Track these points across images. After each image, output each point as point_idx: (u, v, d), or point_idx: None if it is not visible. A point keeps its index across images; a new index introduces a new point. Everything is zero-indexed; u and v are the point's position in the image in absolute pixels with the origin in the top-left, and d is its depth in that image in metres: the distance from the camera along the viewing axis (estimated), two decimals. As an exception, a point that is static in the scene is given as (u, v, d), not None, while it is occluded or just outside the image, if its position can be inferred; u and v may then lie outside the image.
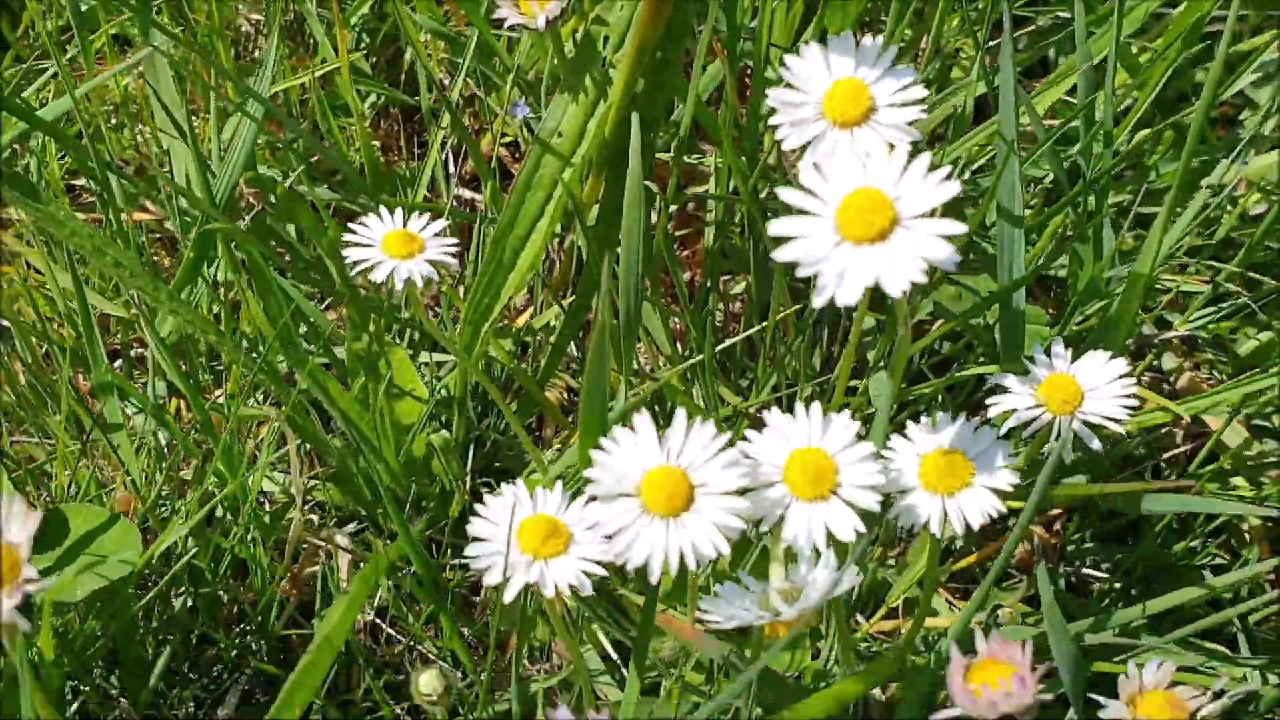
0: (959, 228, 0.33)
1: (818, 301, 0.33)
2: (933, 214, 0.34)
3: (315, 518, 0.55)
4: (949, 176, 0.34)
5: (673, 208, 0.60)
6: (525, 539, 0.39)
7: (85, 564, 0.43)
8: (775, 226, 0.35)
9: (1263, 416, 0.57)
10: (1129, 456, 0.54)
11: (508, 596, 0.38)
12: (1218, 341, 0.58)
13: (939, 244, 0.33)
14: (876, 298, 0.54)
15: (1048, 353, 0.45)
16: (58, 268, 0.59)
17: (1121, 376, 0.44)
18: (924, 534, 0.49)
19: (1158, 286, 0.58)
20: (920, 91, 0.39)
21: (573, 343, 0.62)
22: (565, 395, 0.64)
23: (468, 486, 0.59)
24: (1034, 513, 0.38)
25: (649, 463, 0.37)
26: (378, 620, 0.53)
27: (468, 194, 0.72)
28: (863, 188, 0.34)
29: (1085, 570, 0.53)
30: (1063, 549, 0.51)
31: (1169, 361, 0.57)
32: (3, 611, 0.34)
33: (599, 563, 0.38)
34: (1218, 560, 0.52)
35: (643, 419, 0.38)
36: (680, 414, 0.37)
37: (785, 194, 0.35)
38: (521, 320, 0.64)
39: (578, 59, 0.52)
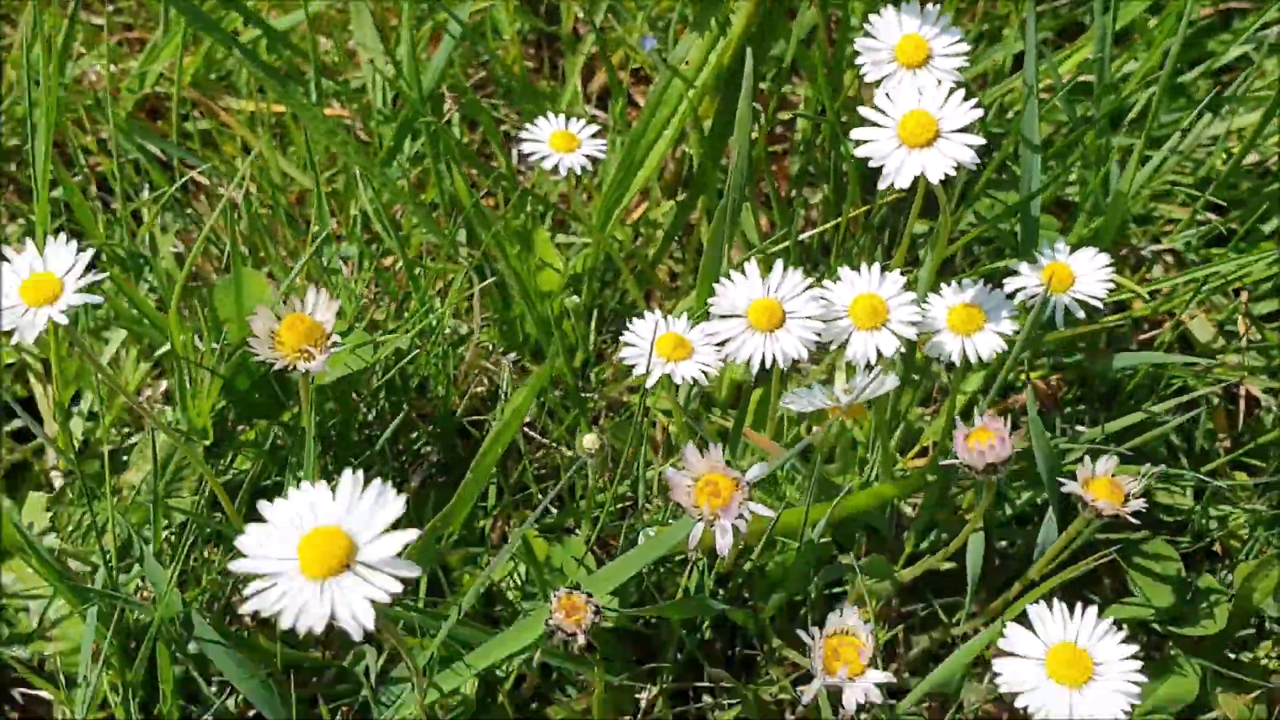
0: (978, 140, 0.49)
1: (883, 184, 0.50)
2: (965, 131, 0.50)
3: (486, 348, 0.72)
4: (976, 105, 0.50)
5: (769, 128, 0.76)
6: (661, 347, 0.56)
7: (337, 356, 0.61)
8: (857, 133, 0.51)
9: (1231, 322, 0.72)
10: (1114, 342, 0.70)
11: (649, 383, 0.55)
12: (1205, 260, 0.74)
13: (965, 150, 0.49)
14: (928, 205, 0.70)
15: (1053, 249, 0.61)
16: (279, 154, 0.77)
17: (1105, 266, 0.60)
18: (948, 402, 0.65)
19: (1153, 213, 0.73)
20: (965, 47, 0.55)
21: (674, 239, 0.79)
22: (669, 277, 0.81)
23: (591, 343, 0.76)
24: (1025, 345, 0.54)
25: (754, 295, 0.53)
26: (527, 429, 0.70)
27: (594, 111, 0.88)
28: (918, 109, 0.51)
29: (1077, 429, 0.69)
30: (1057, 401, 0.67)
31: (1158, 272, 0.72)
32: (315, 364, 0.51)
33: (710, 365, 0.55)
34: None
35: (751, 266, 0.54)
36: (779, 263, 0.54)
37: (865, 111, 0.51)
38: (638, 213, 0.80)
39: (705, 4, 0.68)
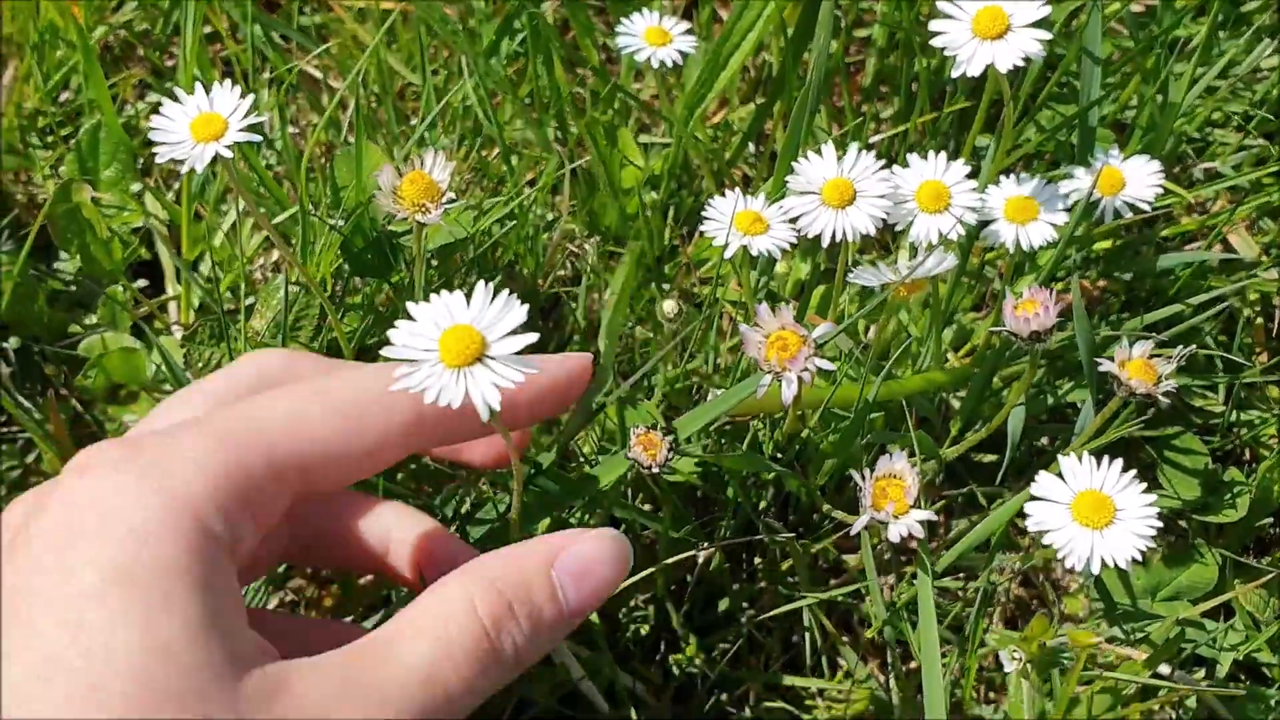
0: (1045, 34, 0.54)
1: (955, 73, 0.55)
2: (1033, 26, 0.55)
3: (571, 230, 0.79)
4: (1045, 3, 0.55)
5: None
6: (739, 223, 0.62)
7: (438, 227, 0.67)
8: (934, 25, 0.56)
9: (1277, 245, 0.77)
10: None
11: (728, 254, 0.61)
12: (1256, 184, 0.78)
13: (1033, 43, 0.54)
14: (990, 121, 0.75)
15: (1106, 156, 0.66)
16: (384, 45, 0.83)
17: (1155, 172, 0.64)
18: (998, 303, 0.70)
19: (1210, 138, 0.78)
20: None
21: (750, 143, 0.84)
22: (743, 180, 0.86)
23: (667, 238, 0.82)
24: (1071, 236, 0.59)
25: (829, 174, 0.59)
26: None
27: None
28: (991, 5, 0.56)
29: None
30: (1103, 303, 0.72)
31: (1208, 194, 0.77)
32: (432, 217, 0.58)
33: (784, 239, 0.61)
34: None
35: (828, 147, 0.60)
36: (854, 146, 0.59)
37: (942, 5, 0.57)
38: (718, 118, 0.86)
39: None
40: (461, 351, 0.39)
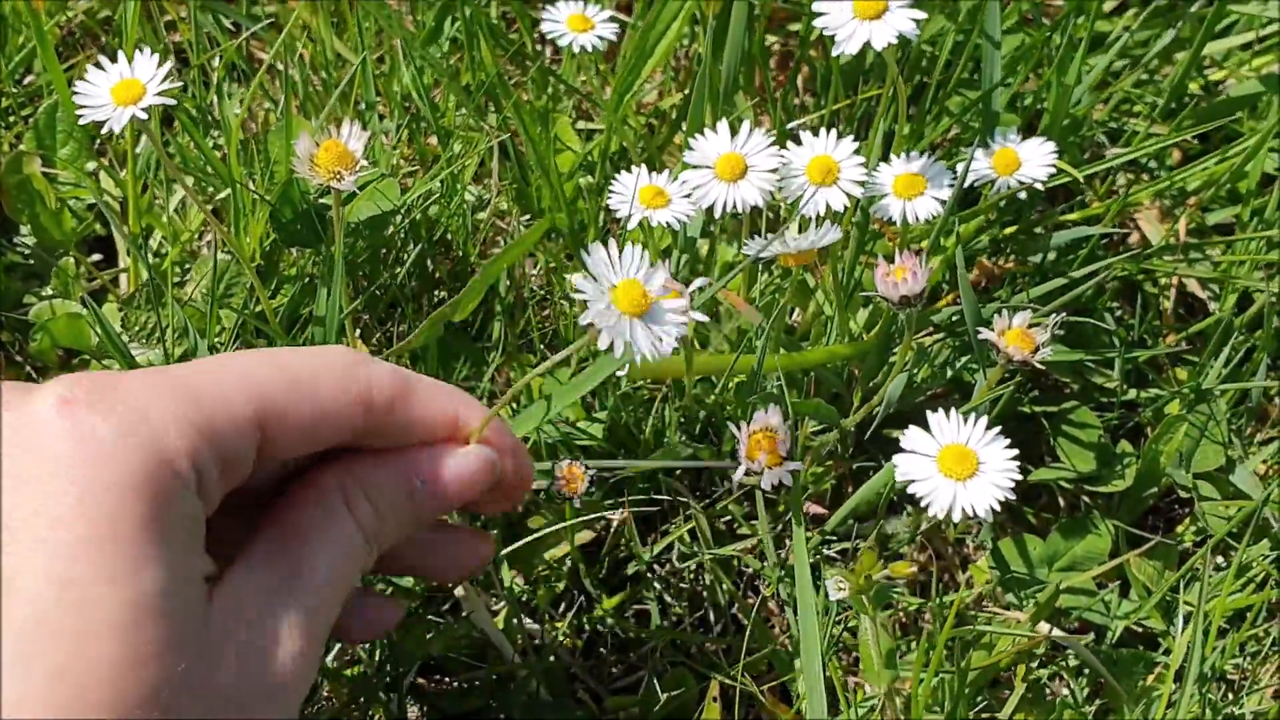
0: (920, 14, 0.59)
1: (835, 51, 0.60)
2: (909, 6, 0.59)
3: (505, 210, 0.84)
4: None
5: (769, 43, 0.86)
6: (641, 196, 0.66)
7: (367, 195, 0.72)
8: (817, 6, 0.61)
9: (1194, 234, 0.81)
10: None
11: (630, 225, 0.66)
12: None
13: (907, 22, 0.59)
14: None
15: (1005, 137, 0.70)
16: (329, 29, 0.89)
17: (1049, 153, 0.69)
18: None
19: (1124, 127, 0.82)
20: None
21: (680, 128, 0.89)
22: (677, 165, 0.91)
23: (601, 221, 0.86)
24: (954, 209, 0.64)
25: (723, 149, 0.64)
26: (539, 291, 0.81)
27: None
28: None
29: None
30: (1000, 278, 0.76)
31: (1121, 179, 0.81)
32: (345, 184, 0.62)
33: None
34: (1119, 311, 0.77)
35: (722, 124, 0.64)
36: (745, 122, 0.64)
37: (825, -10, 0.61)
38: (650, 104, 0.91)
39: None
40: (634, 302, 0.44)
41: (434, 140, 0.85)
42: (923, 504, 0.55)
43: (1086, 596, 0.70)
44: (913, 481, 0.56)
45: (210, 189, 0.82)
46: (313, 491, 0.44)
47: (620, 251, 0.46)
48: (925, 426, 0.57)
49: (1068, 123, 0.76)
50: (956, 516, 0.55)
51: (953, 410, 0.57)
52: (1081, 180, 0.71)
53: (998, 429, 0.57)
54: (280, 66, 0.93)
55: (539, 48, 0.90)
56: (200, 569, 0.38)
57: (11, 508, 0.35)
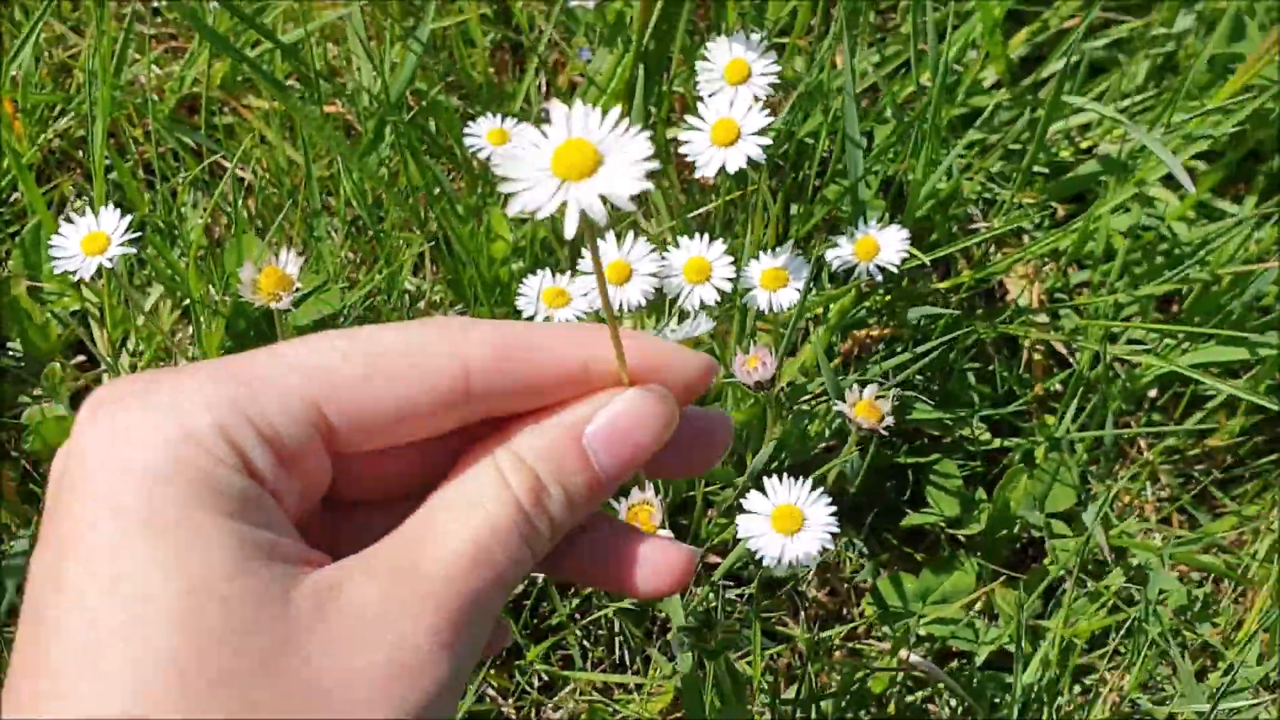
0: (766, 140, 0.70)
1: (697, 174, 0.71)
2: (758, 134, 0.71)
3: (438, 300, 0.95)
4: (769, 114, 0.71)
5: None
6: (546, 298, 0.78)
7: (312, 302, 0.84)
8: (681, 135, 0.72)
9: (1056, 288, 0.92)
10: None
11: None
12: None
13: (757, 149, 0.70)
14: (813, 192, 0.90)
15: (867, 225, 0.81)
16: (284, 140, 1.00)
17: (903, 239, 0.80)
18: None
19: (995, 196, 0.93)
20: (776, 69, 0.75)
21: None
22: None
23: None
24: (806, 293, 0.75)
25: (612, 257, 0.75)
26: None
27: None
28: (725, 118, 0.72)
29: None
30: (870, 349, 0.88)
31: (978, 251, 0.92)
32: (283, 304, 0.74)
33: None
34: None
35: (610, 236, 0.76)
36: (630, 234, 0.75)
37: (689, 119, 0.73)
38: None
39: (612, 28, 0.90)
40: (574, 165, 0.35)
41: (372, 237, 0.96)
42: (757, 556, 0.66)
43: (956, 626, 0.81)
44: (751, 537, 0.66)
45: (178, 293, 0.94)
46: (459, 465, 0.39)
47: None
48: (763, 491, 0.68)
49: (933, 202, 0.87)
50: (784, 564, 0.65)
51: (785, 477, 0.68)
52: (927, 261, 0.82)
53: (821, 490, 0.67)
54: (240, 173, 1.05)
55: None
56: (269, 549, 0.35)
57: (59, 517, 0.34)
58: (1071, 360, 0.90)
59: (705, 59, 0.76)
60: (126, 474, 0.34)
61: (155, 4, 1.14)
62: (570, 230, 0.34)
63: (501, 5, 1.13)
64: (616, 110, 0.36)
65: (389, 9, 1.07)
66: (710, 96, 0.75)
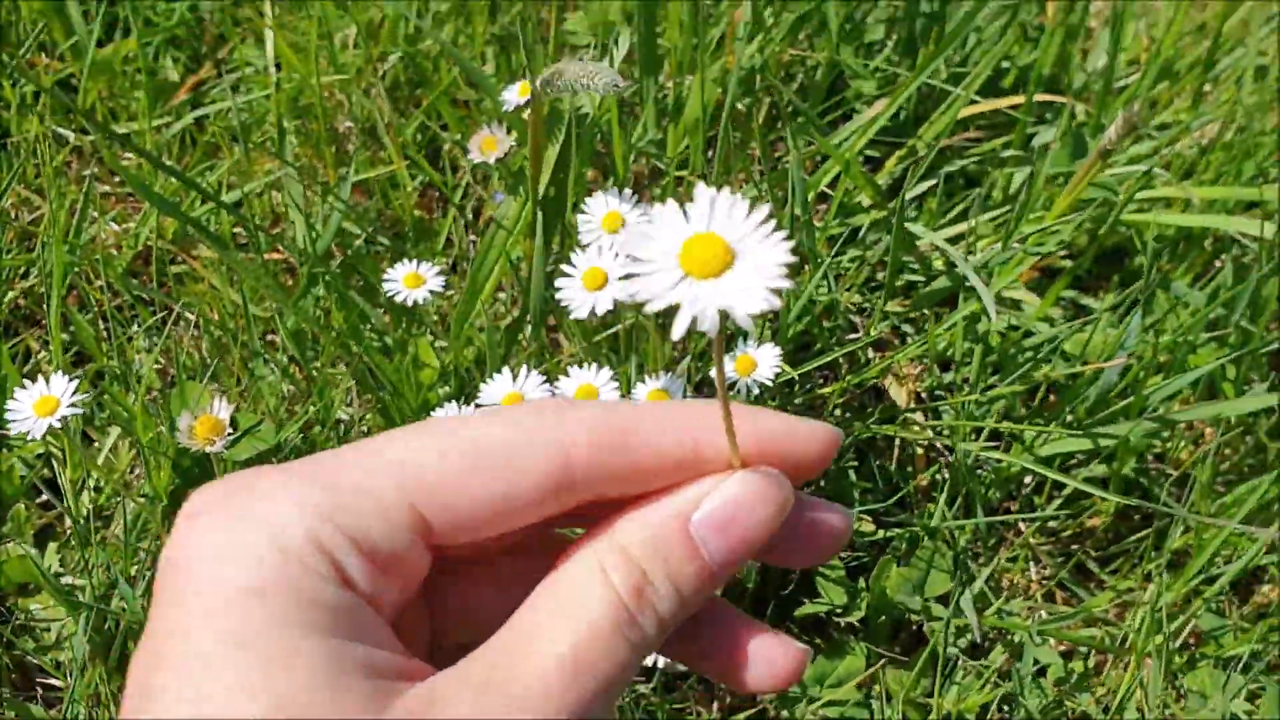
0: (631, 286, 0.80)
1: (571, 317, 0.81)
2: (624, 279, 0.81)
3: (368, 429, 1.05)
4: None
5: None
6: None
7: (248, 439, 0.93)
8: (558, 282, 0.82)
9: (936, 388, 1.01)
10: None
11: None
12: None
13: (623, 294, 0.80)
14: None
15: (747, 344, 0.91)
16: (229, 286, 1.11)
17: (775, 357, 0.89)
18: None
19: (866, 304, 1.03)
20: (648, 217, 0.86)
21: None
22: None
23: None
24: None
25: (507, 389, 0.85)
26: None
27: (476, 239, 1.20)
28: (594, 266, 0.82)
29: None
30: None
31: (862, 356, 1.02)
32: (217, 448, 0.84)
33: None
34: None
35: (506, 370, 0.86)
36: (524, 367, 0.85)
37: (564, 266, 0.83)
38: (501, 317, 1.12)
39: (515, 178, 1.01)
40: (704, 262, 0.33)
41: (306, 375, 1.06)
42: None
43: (848, 706, 0.89)
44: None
45: (134, 435, 1.04)
46: (560, 559, 0.37)
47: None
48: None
49: (809, 318, 0.97)
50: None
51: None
52: (795, 375, 0.92)
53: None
54: (189, 316, 1.15)
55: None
56: (364, 664, 0.34)
57: (156, 627, 0.34)
58: (944, 455, 0.99)
59: (584, 211, 0.87)
60: (219, 591, 0.34)
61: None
62: (678, 332, 0.32)
63: (429, 150, 1.24)
64: (765, 208, 0.34)
65: (324, 159, 1.18)
66: (588, 245, 0.86)
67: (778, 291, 0.31)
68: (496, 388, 0.85)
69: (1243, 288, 0.95)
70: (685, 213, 0.34)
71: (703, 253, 0.33)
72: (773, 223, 0.33)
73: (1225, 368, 0.98)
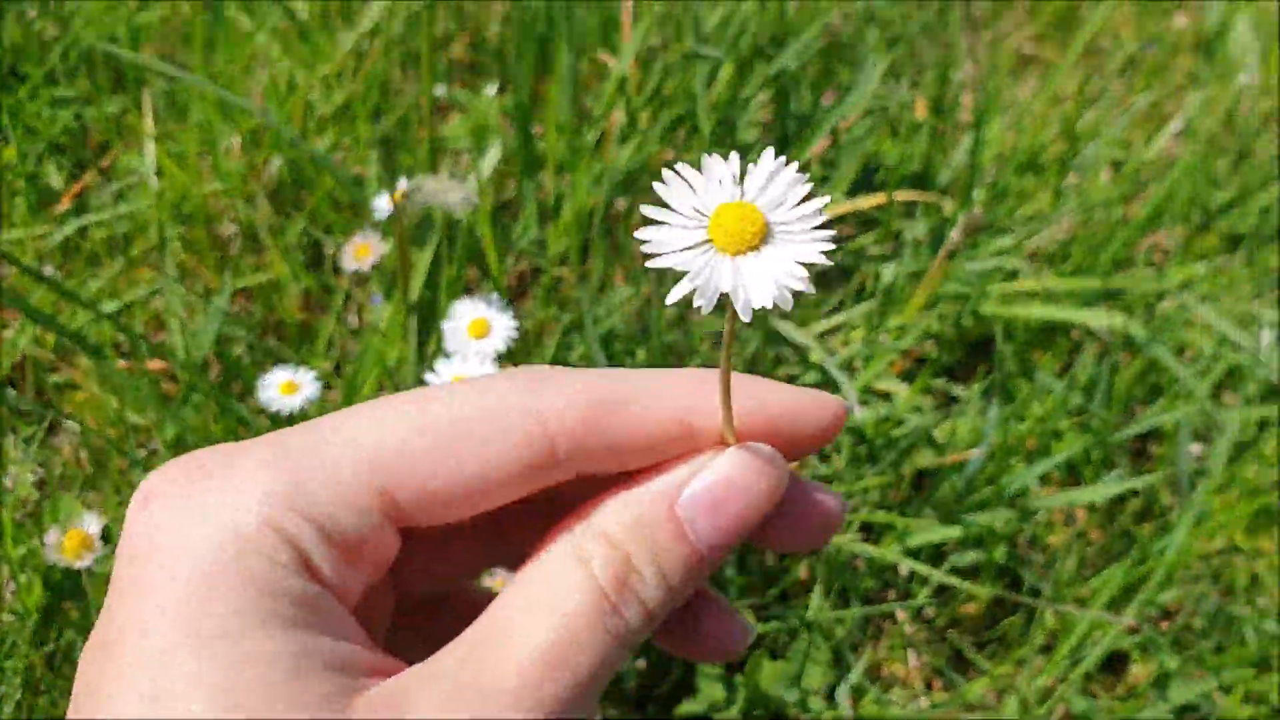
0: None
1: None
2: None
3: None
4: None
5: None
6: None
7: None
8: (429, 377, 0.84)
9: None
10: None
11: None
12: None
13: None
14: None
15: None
16: (109, 394, 1.11)
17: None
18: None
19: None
20: (515, 324, 0.88)
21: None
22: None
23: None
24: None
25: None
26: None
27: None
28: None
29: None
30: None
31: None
32: (84, 563, 0.83)
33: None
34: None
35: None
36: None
37: (429, 376, 0.85)
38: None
39: (388, 283, 1.03)
40: (737, 235, 0.31)
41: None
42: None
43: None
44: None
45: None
46: (539, 545, 0.35)
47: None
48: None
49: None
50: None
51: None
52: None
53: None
54: (70, 422, 1.15)
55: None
56: (327, 659, 0.32)
57: (109, 621, 0.32)
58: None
59: (450, 318, 0.89)
60: (175, 584, 0.32)
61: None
62: (672, 298, 0.30)
63: (313, 251, 1.26)
64: (824, 200, 0.31)
65: (207, 264, 1.20)
66: (452, 353, 0.88)
67: (794, 290, 0.29)
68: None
69: (1098, 374, 1.00)
70: (738, 174, 0.31)
71: (734, 225, 0.30)
72: (822, 214, 0.30)
73: (1089, 453, 1.02)
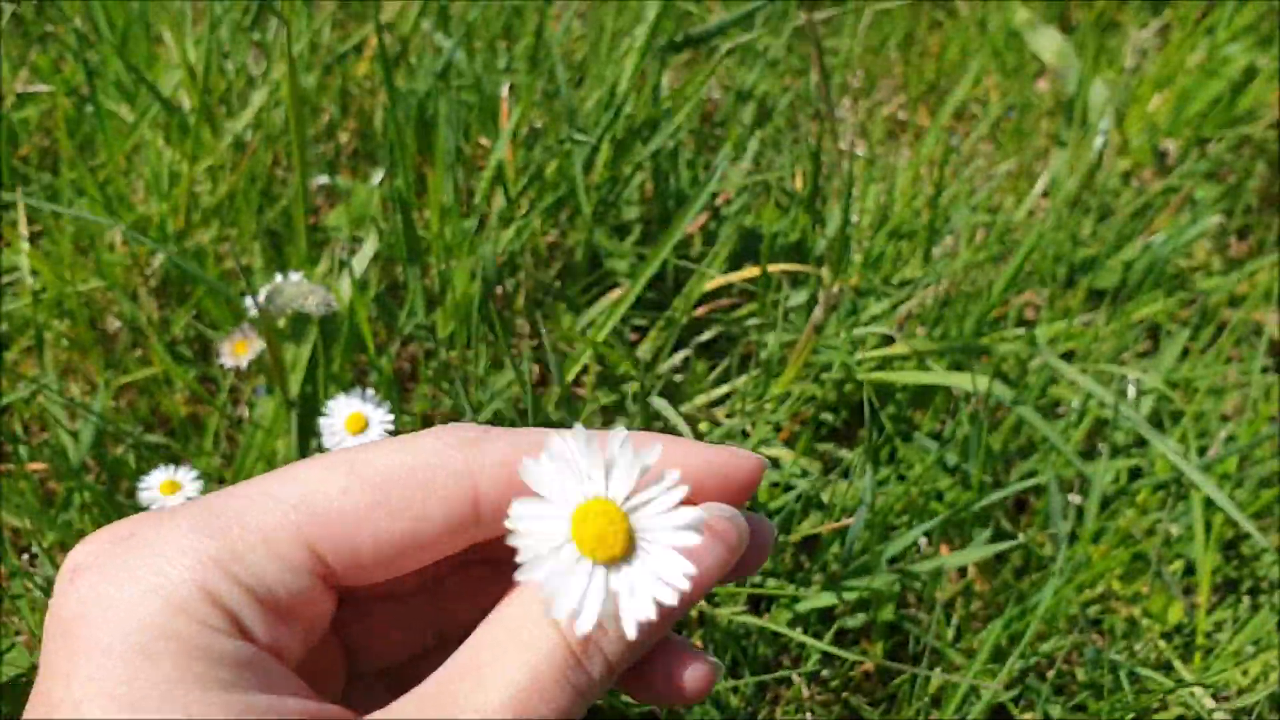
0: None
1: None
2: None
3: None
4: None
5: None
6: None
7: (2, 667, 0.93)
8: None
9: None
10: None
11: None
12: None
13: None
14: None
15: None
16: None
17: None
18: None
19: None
20: (390, 417, 0.90)
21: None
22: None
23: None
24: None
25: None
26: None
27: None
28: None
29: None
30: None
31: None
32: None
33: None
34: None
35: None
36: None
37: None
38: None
39: (269, 380, 1.04)
40: (605, 540, 0.31)
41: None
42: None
43: None
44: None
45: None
46: (501, 600, 0.35)
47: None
48: None
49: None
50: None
51: None
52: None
53: None
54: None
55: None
56: (271, 713, 0.32)
57: (45, 694, 0.32)
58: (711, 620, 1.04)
59: (325, 414, 0.91)
60: (106, 656, 0.32)
61: None
62: (582, 629, 0.30)
63: (199, 346, 1.27)
64: (675, 474, 0.30)
65: (89, 360, 1.20)
66: (330, 449, 0.90)
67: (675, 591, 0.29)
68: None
69: (972, 433, 1.04)
70: (577, 454, 0.30)
71: (599, 529, 0.30)
72: (679, 492, 0.30)
73: (968, 510, 1.06)
